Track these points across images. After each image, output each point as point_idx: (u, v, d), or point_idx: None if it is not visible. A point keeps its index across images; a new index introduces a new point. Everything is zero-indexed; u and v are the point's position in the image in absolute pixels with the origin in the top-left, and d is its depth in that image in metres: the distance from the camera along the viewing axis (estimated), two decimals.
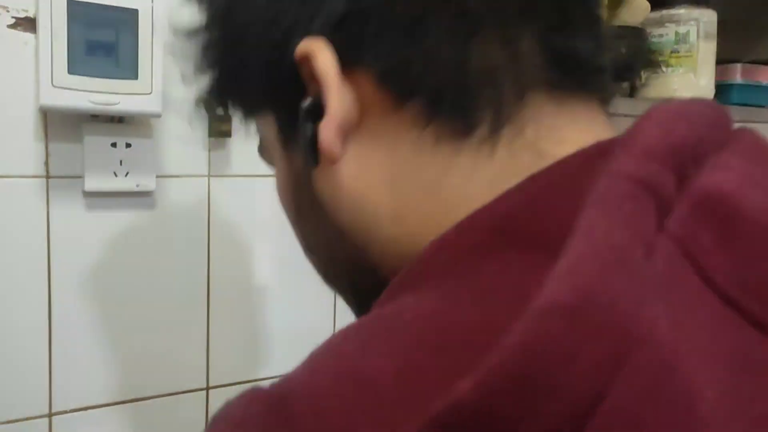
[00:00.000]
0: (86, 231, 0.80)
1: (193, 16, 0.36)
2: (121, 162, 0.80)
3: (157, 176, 0.83)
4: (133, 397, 0.85)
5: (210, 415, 0.90)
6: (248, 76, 0.34)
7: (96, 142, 0.78)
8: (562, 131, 0.31)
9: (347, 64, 0.30)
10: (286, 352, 0.96)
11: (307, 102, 0.31)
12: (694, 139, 0.27)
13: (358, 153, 0.32)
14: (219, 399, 0.91)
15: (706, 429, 0.22)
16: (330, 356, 0.27)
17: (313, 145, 0.31)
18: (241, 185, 0.90)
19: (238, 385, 0.92)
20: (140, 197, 0.83)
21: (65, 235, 0.79)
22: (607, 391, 0.21)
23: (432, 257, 0.29)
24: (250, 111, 0.37)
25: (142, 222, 0.84)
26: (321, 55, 0.30)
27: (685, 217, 0.25)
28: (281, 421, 0.24)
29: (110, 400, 0.83)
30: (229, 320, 0.91)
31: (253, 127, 0.39)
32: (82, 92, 0.72)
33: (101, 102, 0.73)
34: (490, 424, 0.21)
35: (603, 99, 0.35)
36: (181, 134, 0.84)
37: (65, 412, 0.80)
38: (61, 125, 0.77)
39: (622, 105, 1.01)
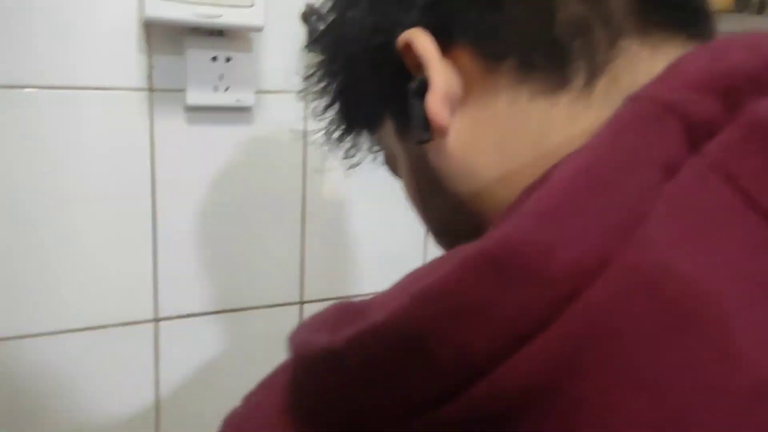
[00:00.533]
0: (188, 145, 0.81)
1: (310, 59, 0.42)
2: (221, 76, 0.79)
3: (256, 92, 0.82)
4: (231, 307, 0.88)
5: None
6: (363, 85, 0.38)
7: (197, 56, 0.77)
8: None
9: (444, 43, 0.33)
10: (377, 270, 0.97)
11: (413, 84, 0.34)
12: (757, 68, 0.27)
13: (464, 121, 0.34)
14: (312, 313, 0.93)
15: (717, 330, 0.22)
16: (409, 276, 0.30)
17: (424, 121, 0.34)
18: None
19: (330, 300, 0.94)
20: (239, 113, 0.83)
21: (168, 149, 0.80)
22: (589, 284, 0.22)
23: (514, 204, 0.31)
24: (371, 122, 0.41)
25: (241, 137, 0.84)
26: (419, 38, 0.33)
27: (731, 141, 0.25)
28: (350, 318, 0.27)
29: (210, 309, 0.86)
30: (322, 236, 0.92)
31: (378, 155, 0.44)
32: (185, 4, 0.71)
33: (204, 14, 0.72)
34: (464, 302, 0.23)
35: (703, 39, 0.34)
36: (281, 49, 0.82)
37: (169, 318, 0.84)
38: (163, 38, 0.76)
39: (751, 22, 0.92)
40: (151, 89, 0.77)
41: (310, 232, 0.91)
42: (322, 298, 0.94)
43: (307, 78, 0.42)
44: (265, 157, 0.86)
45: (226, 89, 0.79)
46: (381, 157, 0.46)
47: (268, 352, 0.93)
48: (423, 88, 0.33)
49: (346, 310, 0.28)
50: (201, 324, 0.86)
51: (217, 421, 0.97)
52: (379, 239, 0.96)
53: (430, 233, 0.42)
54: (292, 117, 0.86)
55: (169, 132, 0.79)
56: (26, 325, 0.76)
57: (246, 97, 0.81)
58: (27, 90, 0.72)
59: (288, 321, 0.92)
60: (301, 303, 0.92)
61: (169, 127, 0.79)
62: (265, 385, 0.31)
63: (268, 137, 0.85)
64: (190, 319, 0.85)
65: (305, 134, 0.87)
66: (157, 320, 0.83)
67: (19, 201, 0.74)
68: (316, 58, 0.41)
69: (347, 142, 0.43)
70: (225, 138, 0.83)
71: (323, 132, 0.43)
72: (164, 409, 0.86)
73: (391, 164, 0.44)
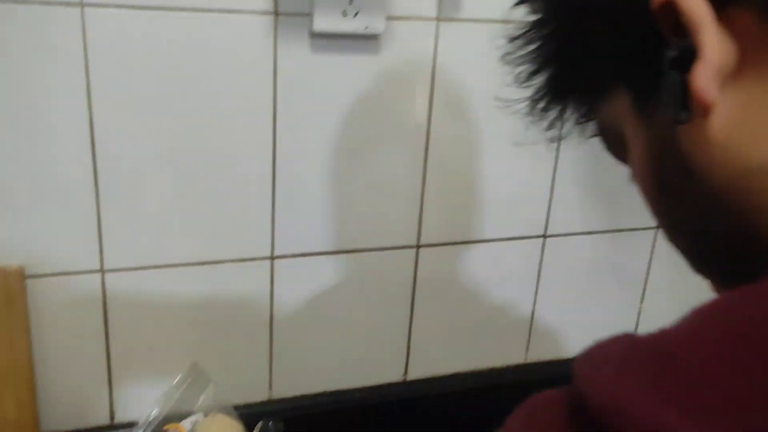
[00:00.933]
0: (312, 74, 0.75)
1: (522, 17, 0.36)
2: (350, 0, 0.72)
3: (387, 17, 0.75)
4: (348, 248, 0.84)
5: (418, 273, 0.89)
6: (593, 50, 0.33)
7: None
8: None
9: (718, 5, 0.27)
10: (499, 216, 0.90)
11: (672, 51, 0.28)
12: None
13: (737, 99, 0.28)
14: (428, 257, 0.88)
15: None
16: (713, 316, 0.24)
17: (683, 98, 0.28)
18: (471, 32, 0.80)
19: (447, 246, 0.89)
20: (367, 41, 0.76)
21: (291, 78, 0.75)
22: None
23: None
24: (595, 94, 0.35)
25: (367, 68, 0.77)
26: None
27: None
28: (661, 362, 0.23)
29: (327, 249, 0.83)
30: (444, 177, 0.86)
31: (586, 127, 0.39)
32: None
33: None
34: None
35: None
36: None
37: (285, 256, 0.81)
38: None
39: None
40: (276, 13, 0.72)
41: (432, 173, 0.85)
42: (439, 243, 0.89)
43: (513, 40, 0.36)
44: (390, 90, 0.79)
45: (356, 14, 0.73)
46: (591, 130, 0.40)
47: (381, 295, 0.90)
48: (686, 57, 0.27)
49: (654, 359, 0.23)
50: (316, 263, 0.83)
51: (328, 360, 0.94)
52: (503, 183, 0.89)
53: (663, 230, 0.36)
54: (422, 47, 0.79)
55: (293, 60, 0.74)
56: (150, 257, 0.75)
57: (375, 24, 0.74)
58: (150, 12, 0.68)
59: (403, 265, 0.88)
60: (418, 247, 0.88)
61: (293, 54, 0.74)
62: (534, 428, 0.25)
63: (396, 69, 0.78)
64: (306, 258, 0.82)
65: (434, 66, 0.80)
66: (273, 258, 0.80)
67: (143, 127, 0.71)
68: (526, 16, 0.35)
69: (553, 113, 0.38)
70: (350, 68, 0.77)
71: (526, 101, 0.38)
72: (277, 346, 0.84)
73: (614, 143, 0.37)
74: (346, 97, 0.78)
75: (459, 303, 0.93)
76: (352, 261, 0.85)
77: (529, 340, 1.00)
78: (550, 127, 0.38)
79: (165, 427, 0.77)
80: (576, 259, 0.99)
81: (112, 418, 0.79)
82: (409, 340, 0.92)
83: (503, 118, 0.86)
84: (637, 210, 1.03)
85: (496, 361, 0.98)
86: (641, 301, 1.06)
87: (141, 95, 0.70)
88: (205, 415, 0.78)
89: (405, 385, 0.93)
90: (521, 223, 0.93)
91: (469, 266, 0.92)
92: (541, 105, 0.37)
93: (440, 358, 0.94)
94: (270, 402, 0.86)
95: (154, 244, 0.75)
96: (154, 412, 0.78)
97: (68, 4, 0.65)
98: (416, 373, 0.93)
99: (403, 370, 0.93)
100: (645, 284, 1.05)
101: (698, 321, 0.24)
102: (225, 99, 0.73)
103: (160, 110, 0.71)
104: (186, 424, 0.77)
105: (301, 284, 0.83)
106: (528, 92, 0.37)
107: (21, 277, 0.70)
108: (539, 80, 0.36)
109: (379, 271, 0.87)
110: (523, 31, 0.36)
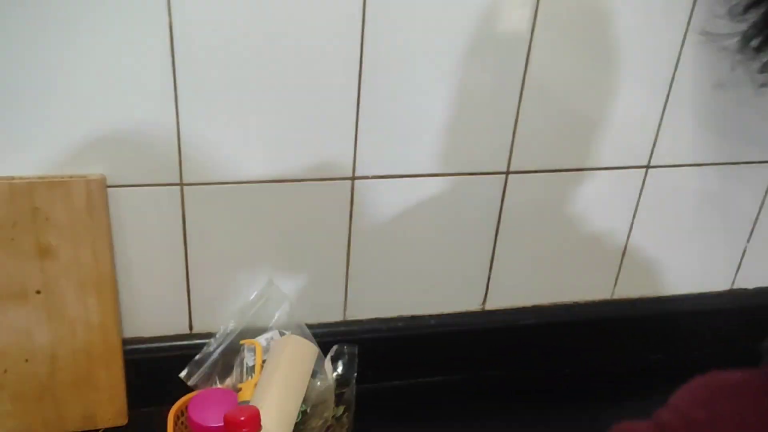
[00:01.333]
0: None
1: None
2: None
3: None
4: (431, 171, 0.79)
5: (505, 200, 0.83)
6: None
7: None
8: None
9: None
10: (598, 143, 0.83)
11: None
12: None
13: None
14: (517, 183, 0.82)
15: None
16: None
17: None
18: None
19: (539, 173, 0.83)
20: None
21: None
22: None
23: None
24: None
25: None
26: None
27: None
28: None
29: (409, 172, 0.78)
30: (542, 98, 0.78)
31: None
32: None
33: None
34: None
35: None
36: None
37: (366, 177, 0.77)
38: None
39: None
40: None
41: (529, 93, 0.77)
42: (530, 170, 0.82)
43: None
44: (489, 14, 0.71)
45: None
46: None
47: (464, 221, 0.85)
48: None
49: None
50: (397, 186, 0.79)
51: (405, 284, 0.90)
52: (607, 108, 0.81)
53: None
54: None
55: None
56: (229, 173, 0.73)
57: None
58: None
59: (492, 190, 0.82)
60: (507, 173, 0.82)
61: None
62: None
63: None
64: (386, 180, 0.78)
65: None
66: (353, 178, 0.77)
67: (224, 38, 0.67)
68: None
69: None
70: None
71: (738, 37, 0.32)
72: (353, 267, 0.82)
73: None
74: (437, 5, 0.70)
75: (546, 233, 0.88)
76: (436, 185, 0.80)
77: (618, 276, 0.94)
78: (764, 69, 0.33)
79: (241, 341, 0.77)
80: (680, 192, 0.90)
81: (190, 327, 0.80)
82: (490, 269, 0.88)
83: (614, 36, 0.77)
84: (755, 141, 0.93)
85: (580, 296, 0.94)
86: (748, 241, 0.98)
87: (222, 6, 0.65)
88: (280, 333, 0.78)
89: (483, 315, 0.90)
90: (623, 151, 0.85)
91: (561, 195, 0.85)
92: (756, 42, 0.32)
93: (521, 289, 0.90)
94: (344, 323, 0.85)
95: (234, 160, 0.72)
96: (231, 325, 0.79)
97: None
98: (495, 303, 0.90)
99: (482, 300, 0.90)
100: (755, 223, 0.96)
101: None
102: (309, 7, 0.67)
103: (240, 15, 0.66)
104: (261, 340, 0.77)
105: (381, 207, 0.79)
106: (742, 27, 0.32)
107: (103, 186, 0.70)
108: (757, 14, 0.31)
109: (464, 196, 0.82)
110: None
